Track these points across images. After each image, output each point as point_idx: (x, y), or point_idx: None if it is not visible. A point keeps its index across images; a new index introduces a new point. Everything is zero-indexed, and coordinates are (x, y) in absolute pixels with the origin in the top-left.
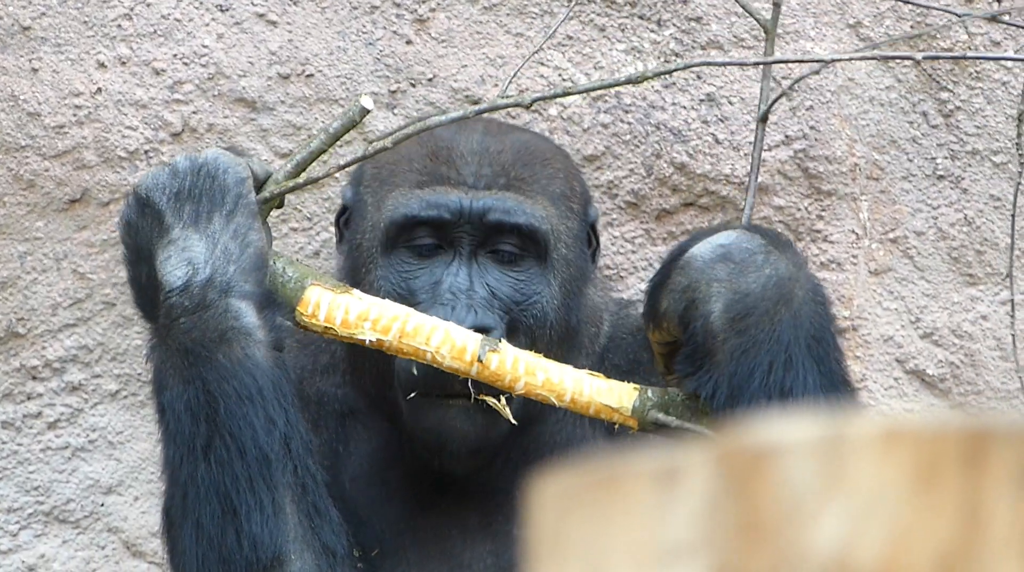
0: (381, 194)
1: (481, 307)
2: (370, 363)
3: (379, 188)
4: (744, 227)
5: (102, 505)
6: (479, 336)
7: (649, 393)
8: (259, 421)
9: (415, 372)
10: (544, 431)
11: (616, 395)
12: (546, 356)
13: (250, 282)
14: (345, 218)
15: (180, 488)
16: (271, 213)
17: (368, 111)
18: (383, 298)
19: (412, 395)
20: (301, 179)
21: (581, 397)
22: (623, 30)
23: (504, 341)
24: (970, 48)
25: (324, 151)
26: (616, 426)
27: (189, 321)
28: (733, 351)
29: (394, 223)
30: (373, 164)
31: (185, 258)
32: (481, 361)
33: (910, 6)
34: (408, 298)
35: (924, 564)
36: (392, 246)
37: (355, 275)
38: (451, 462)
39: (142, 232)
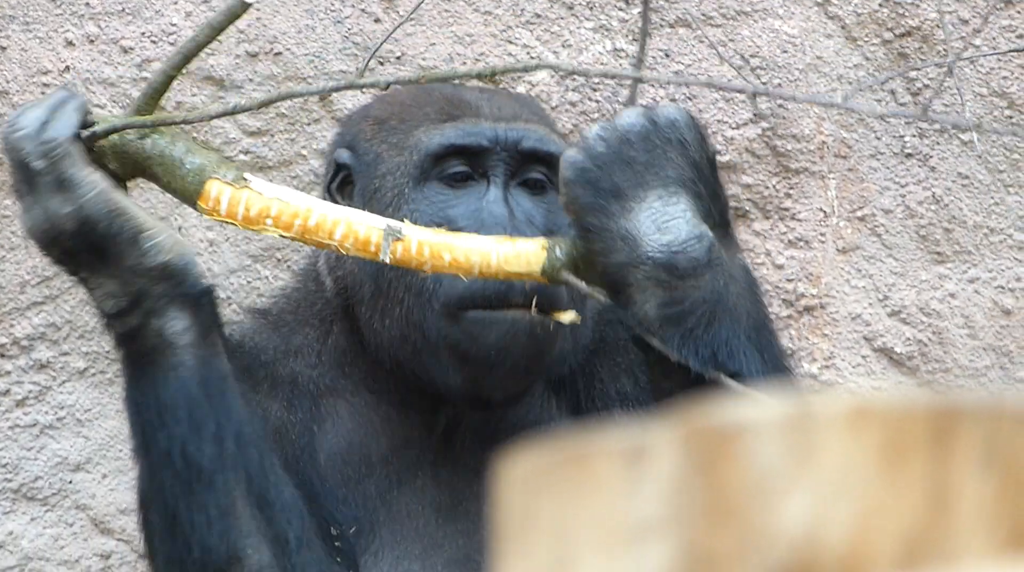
0: (400, 137)
1: (523, 233)
2: (399, 299)
3: (394, 133)
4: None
5: (70, 482)
6: (382, 226)
7: (557, 252)
8: (208, 421)
9: (465, 287)
10: (512, 410)
11: (524, 260)
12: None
13: (178, 289)
14: (341, 179)
15: (145, 483)
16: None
17: (249, 6)
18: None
19: (459, 310)
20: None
21: (489, 269)
22: (591, 8)
23: (407, 224)
24: (938, 27)
25: (207, 44)
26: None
27: (125, 341)
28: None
29: (429, 153)
30: (375, 119)
31: (107, 293)
32: (386, 251)
33: None
34: (447, 227)
35: (892, 543)
36: (424, 178)
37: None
38: (502, 379)
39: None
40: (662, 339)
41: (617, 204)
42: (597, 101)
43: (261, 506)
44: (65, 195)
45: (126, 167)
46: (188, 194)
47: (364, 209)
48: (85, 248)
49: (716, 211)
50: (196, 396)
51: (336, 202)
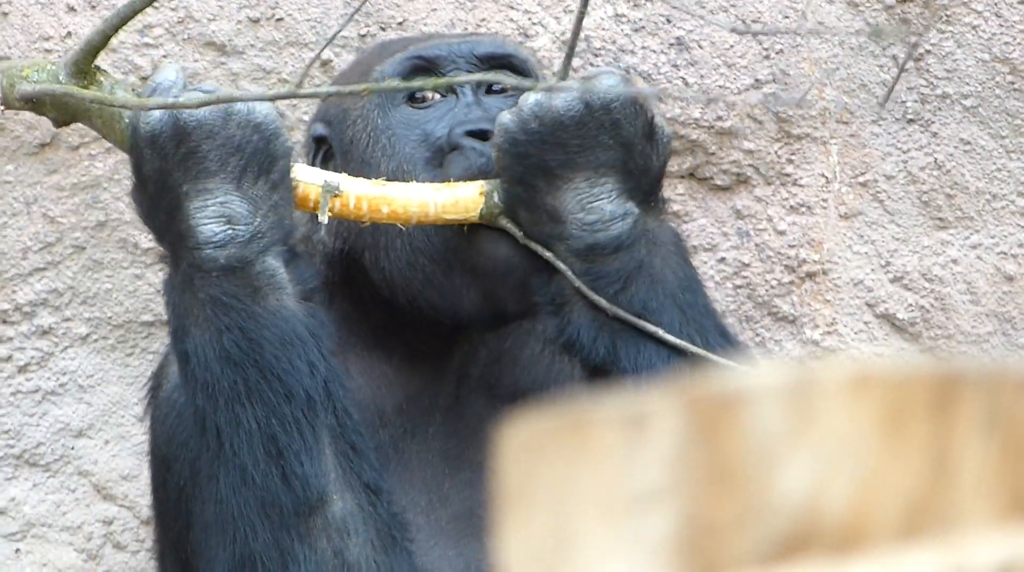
0: (363, 81)
1: None
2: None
3: (359, 81)
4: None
5: (72, 448)
6: (321, 182)
7: (495, 197)
8: (302, 365)
9: None
10: (520, 363)
11: (462, 206)
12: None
13: (283, 244)
14: (323, 154)
15: (214, 437)
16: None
17: None
18: (397, 152)
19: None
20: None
21: (427, 218)
22: None
23: (344, 177)
24: None
25: (139, 11)
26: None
27: (221, 275)
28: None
29: (388, 76)
30: (344, 83)
31: (223, 213)
32: (324, 208)
33: None
34: (423, 141)
35: (893, 510)
36: (391, 103)
37: (360, 168)
38: (507, 279)
39: (171, 161)
40: (579, 309)
41: (544, 181)
42: (598, 67)
43: (348, 455)
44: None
45: (64, 114)
46: (126, 144)
47: (343, 168)
48: (248, 151)
49: (646, 182)
50: (308, 339)
51: None
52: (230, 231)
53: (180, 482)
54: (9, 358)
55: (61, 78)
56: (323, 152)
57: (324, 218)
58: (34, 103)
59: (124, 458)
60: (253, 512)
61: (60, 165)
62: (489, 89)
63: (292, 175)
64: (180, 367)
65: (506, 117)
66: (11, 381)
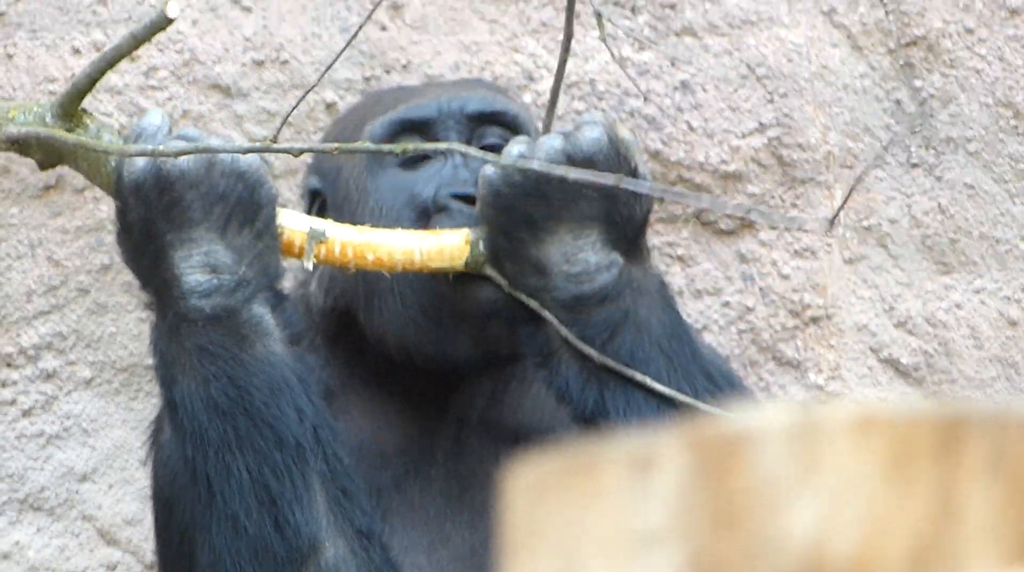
0: (355, 139)
1: None
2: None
3: (351, 138)
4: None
5: (76, 492)
6: (307, 228)
7: (480, 246)
8: (291, 411)
9: None
10: (523, 407)
11: (447, 255)
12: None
13: (270, 291)
14: (318, 206)
15: (204, 487)
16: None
17: (172, 20)
18: (384, 214)
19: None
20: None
21: (413, 265)
22: (597, 17)
23: (331, 223)
24: (944, 36)
25: (129, 54)
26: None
27: (208, 324)
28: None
29: (377, 138)
30: (331, 138)
31: (208, 263)
32: (310, 254)
33: None
34: (410, 203)
35: (899, 552)
36: (380, 166)
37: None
38: (494, 322)
39: (154, 211)
40: (567, 360)
41: (529, 233)
42: (602, 110)
43: (340, 501)
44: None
45: (50, 157)
46: (112, 188)
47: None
48: (232, 200)
49: (630, 231)
50: (296, 386)
51: None
52: (215, 281)
53: (183, 526)
54: (13, 401)
55: (47, 120)
56: (318, 204)
57: (309, 265)
58: (20, 145)
59: (128, 502)
60: (246, 561)
61: (65, 208)
62: (480, 146)
63: (278, 222)
64: (169, 416)
65: (489, 170)
66: (15, 425)
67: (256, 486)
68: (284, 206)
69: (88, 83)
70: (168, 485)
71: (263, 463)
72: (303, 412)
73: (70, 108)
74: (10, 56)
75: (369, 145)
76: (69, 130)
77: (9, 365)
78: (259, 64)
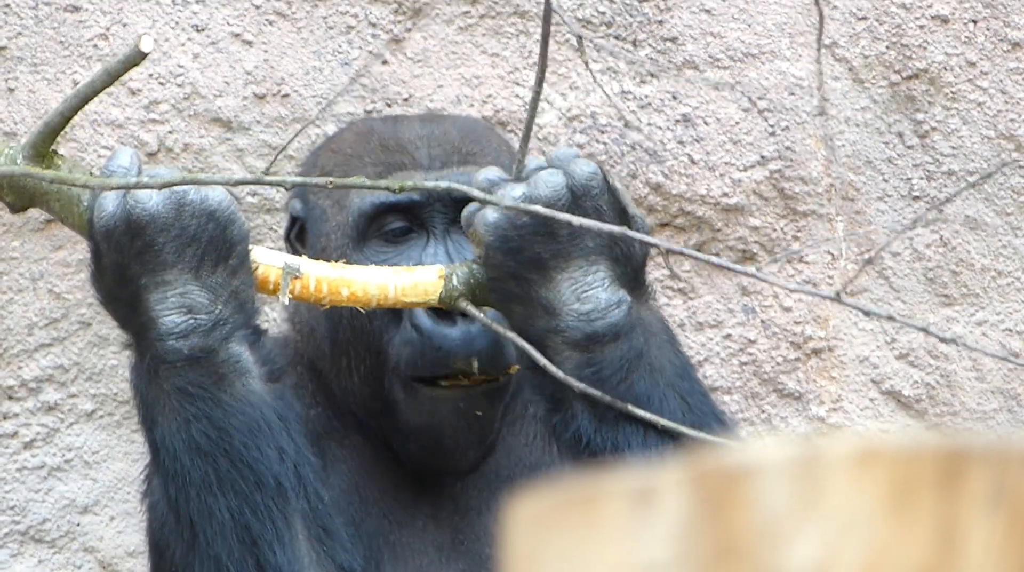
0: (340, 193)
1: None
2: (359, 360)
3: (335, 190)
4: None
5: (78, 525)
6: (281, 264)
7: (455, 280)
8: (271, 451)
9: (410, 358)
10: (514, 451)
11: (422, 290)
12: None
13: (247, 329)
14: (297, 230)
15: (187, 527)
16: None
17: (146, 54)
18: None
19: (414, 383)
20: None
21: (387, 301)
22: (599, 50)
23: (305, 260)
24: (945, 69)
25: (103, 90)
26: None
27: (186, 365)
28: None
29: (363, 214)
30: (322, 169)
31: (184, 304)
32: (285, 290)
33: (887, 26)
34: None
35: None
36: (363, 238)
37: None
38: (453, 460)
39: (127, 254)
40: (580, 405)
41: (537, 273)
42: (604, 143)
43: (322, 539)
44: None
45: (22, 199)
46: (85, 229)
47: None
48: (204, 240)
49: (631, 269)
50: (275, 424)
51: (297, 251)
52: (192, 321)
53: (172, 567)
54: (15, 434)
55: (19, 161)
56: (298, 228)
57: (285, 300)
58: None
59: (130, 534)
60: None
61: (66, 241)
62: (457, 220)
63: (252, 258)
64: (152, 457)
65: (491, 215)
66: (17, 457)
67: (237, 527)
68: (260, 242)
69: (61, 121)
70: (159, 528)
71: (244, 504)
72: (284, 451)
73: (42, 148)
74: (11, 90)
75: (364, 180)
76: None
77: (11, 397)
78: (260, 98)
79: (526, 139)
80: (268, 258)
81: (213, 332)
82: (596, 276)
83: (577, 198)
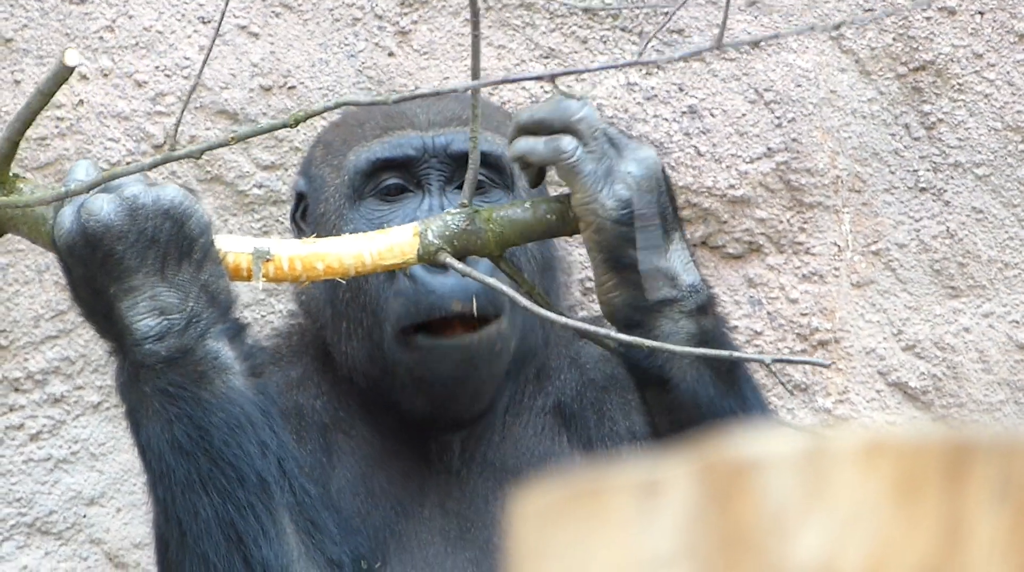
0: (339, 158)
1: None
2: (357, 322)
3: (336, 155)
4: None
5: (84, 516)
6: (251, 249)
7: (430, 235)
8: (253, 447)
9: (403, 309)
10: (522, 442)
11: (399, 251)
12: (532, 288)
13: (224, 323)
14: (302, 209)
15: (175, 526)
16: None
17: (73, 68)
18: None
19: (409, 335)
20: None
21: (365, 267)
22: (605, 42)
23: (275, 240)
24: (952, 60)
25: (42, 109)
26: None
27: (165, 366)
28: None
29: (359, 171)
30: (324, 143)
31: (155, 307)
32: (258, 274)
33: (893, 17)
34: None
35: None
36: (359, 195)
37: None
38: (453, 409)
39: (93, 267)
40: (688, 367)
41: (658, 239)
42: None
43: (310, 532)
44: (149, 186)
45: None
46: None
47: (314, 234)
48: (163, 241)
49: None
50: (258, 419)
51: (301, 231)
52: (165, 322)
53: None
54: (21, 426)
55: None
56: (303, 207)
57: (259, 284)
58: None
59: (136, 526)
60: None
61: None
62: (461, 184)
63: (219, 248)
64: (140, 459)
65: (608, 200)
66: (23, 449)
67: (222, 524)
68: (268, 234)
69: (10, 147)
70: (165, 520)
71: (227, 501)
72: (266, 446)
73: (2, 176)
74: (17, 82)
75: (264, 124)
76: (3, 195)
77: (17, 390)
78: (266, 90)
79: (472, 179)
80: (237, 245)
81: (188, 330)
82: (687, 252)
83: (659, 180)
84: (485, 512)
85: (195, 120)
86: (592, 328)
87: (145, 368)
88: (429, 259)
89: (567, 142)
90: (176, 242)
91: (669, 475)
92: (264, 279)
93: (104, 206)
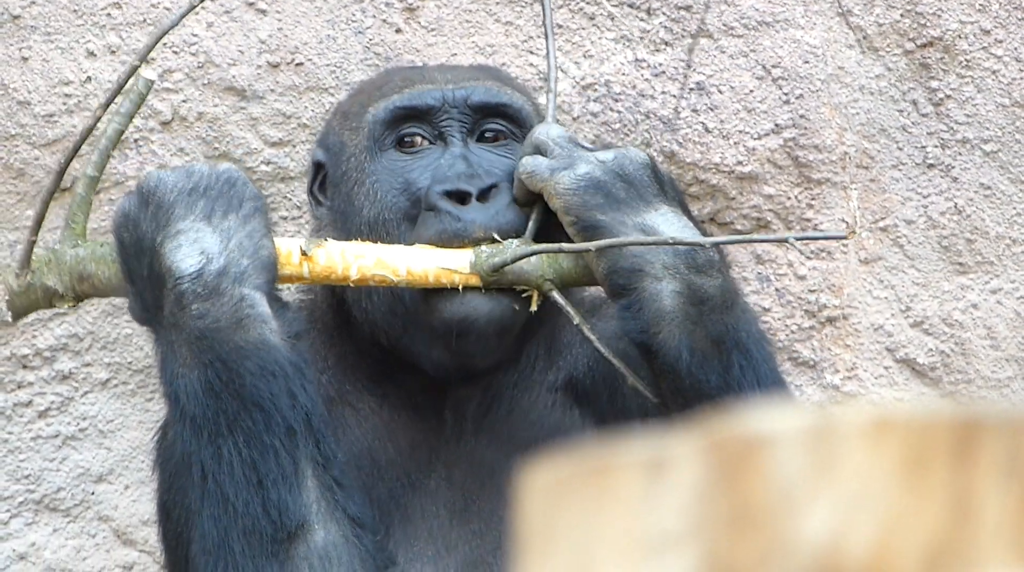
0: (358, 119)
1: (485, 185)
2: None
3: (354, 118)
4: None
5: (93, 493)
6: (299, 239)
7: (484, 254)
8: (283, 395)
9: (427, 227)
10: (531, 415)
11: (452, 258)
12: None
13: (262, 278)
14: (320, 179)
15: (198, 470)
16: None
17: (152, 83)
18: (379, 199)
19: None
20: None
21: (416, 269)
22: (612, 19)
23: (329, 241)
24: (960, 37)
25: (122, 134)
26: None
27: (202, 307)
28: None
29: (379, 121)
30: (341, 112)
31: (197, 247)
32: (307, 256)
33: None
34: (406, 190)
35: (914, 554)
36: (380, 148)
37: (345, 206)
38: (477, 349)
39: (143, 225)
40: (675, 331)
41: (628, 207)
42: (619, 111)
43: (332, 488)
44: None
45: (64, 278)
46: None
47: (334, 198)
48: (213, 194)
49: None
50: (290, 371)
51: (319, 204)
52: (204, 260)
53: (178, 528)
54: (29, 403)
55: (56, 246)
56: (320, 178)
57: (307, 274)
58: (33, 285)
59: (144, 503)
60: (235, 541)
61: None
62: (481, 136)
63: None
64: (170, 409)
65: (583, 168)
66: (31, 426)
67: (245, 467)
68: (275, 211)
69: (90, 190)
70: (166, 490)
71: (251, 444)
72: (296, 397)
73: (78, 227)
74: (25, 59)
75: None
76: (76, 245)
77: (25, 367)
78: (274, 66)
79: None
80: (286, 242)
81: (226, 272)
82: (684, 219)
83: (655, 167)
84: (491, 485)
85: (203, 96)
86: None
87: (183, 309)
88: (481, 269)
89: (524, 161)
90: (226, 197)
91: (677, 452)
92: (310, 274)
93: (161, 172)
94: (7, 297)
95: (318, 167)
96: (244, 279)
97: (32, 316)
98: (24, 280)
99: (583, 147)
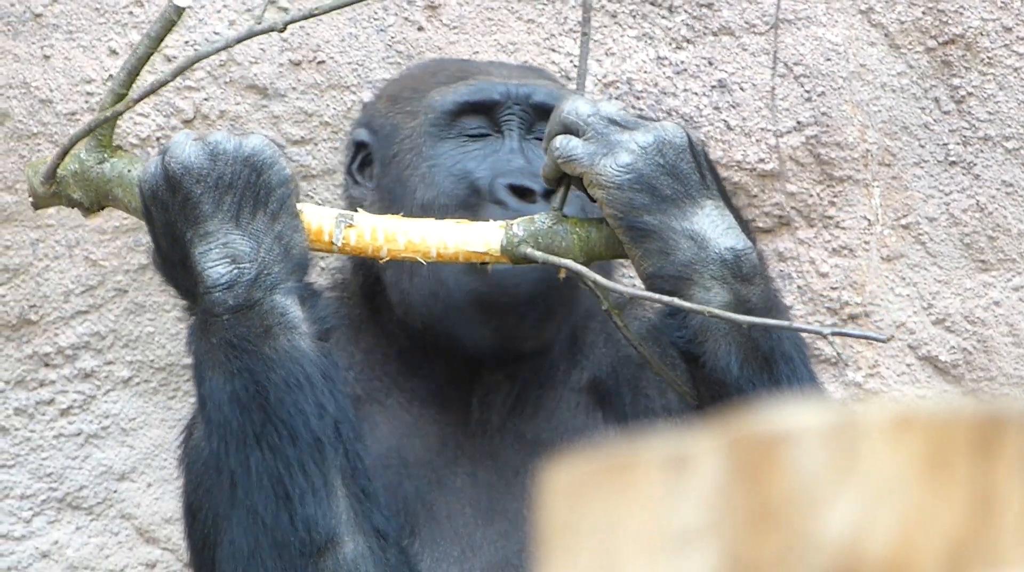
0: (414, 104)
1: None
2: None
3: (408, 102)
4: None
5: (115, 492)
6: (333, 214)
7: (515, 227)
8: (310, 407)
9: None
10: (556, 415)
11: (483, 238)
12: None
13: (293, 279)
14: (360, 159)
15: (227, 477)
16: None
17: (183, 10)
18: (435, 183)
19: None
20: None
21: (447, 250)
22: (634, 16)
23: (360, 212)
24: (982, 34)
25: (150, 56)
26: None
27: (233, 318)
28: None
29: (444, 110)
30: (389, 96)
31: (227, 254)
32: (339, 238)
33: None
34: (464, 178)
35: (936, 551)
36: (441, 135)
37: (395, 186)
38: (525, 317)
39: (172, 211)
40: (723, 342)
41: (676, 208)
42: (640, 109)
43: (360, 499)
44: (236, 134)
45: (89, 194)
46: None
47: (381, 178)
48: (240, 187)
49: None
50: (318, 381)
51: (357, 184)
52: (235, 271)
53: (204, 530)
54: (51, 401)
55: (82, 157)
56: (361, 158)
57: (338, 244)
58: (58, 193)
59: (167, 501)
60: (265, 553)
61: None
62: (531, 131)
63: (300, 208)
64: (200, 412)
65: (624, 157)
66: (53, 424)
67: (272, 481)
68: (315, 201)
69: (112, 119)
70: (192, 490)
71: (278, 458)
72: (324, 408)
73: (105, 141)
74: (47, 57)
75: None
76: (103, 161)
77: (47, 365)
78: (296, 64)
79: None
80: (319, 213)
81: (257, 281)
82: (729, 218)
83: (694, 145)
84: (516, 485)
85: (224, 95)
86: (648, 293)
87: (213, 317)
88: (512, 251)
89: (557, 141)
90: (252, 190)
91: (698, 449)
92: (344, 247)
93: (187, 149)
94: (31, 197)
95: (359, 146)
96: (275, 287)
97: (54, 314)
98: (49, 189)
99: (616, 123)
